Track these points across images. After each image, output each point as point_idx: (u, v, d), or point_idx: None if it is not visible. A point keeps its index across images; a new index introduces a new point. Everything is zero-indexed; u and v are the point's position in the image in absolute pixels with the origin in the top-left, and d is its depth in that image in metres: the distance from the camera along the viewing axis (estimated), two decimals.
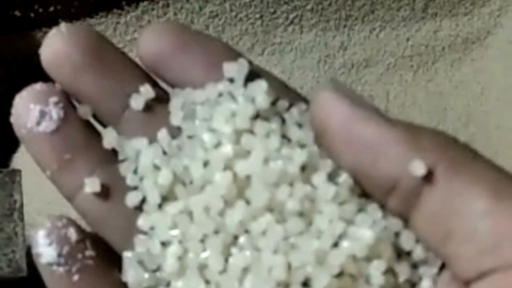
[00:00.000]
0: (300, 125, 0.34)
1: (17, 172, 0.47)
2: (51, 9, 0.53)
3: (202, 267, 0.34)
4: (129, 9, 0.57)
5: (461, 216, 0.30)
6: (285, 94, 0.35)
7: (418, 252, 0.33)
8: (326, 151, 0.33)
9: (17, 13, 0.52)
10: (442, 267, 0.33)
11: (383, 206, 0.33)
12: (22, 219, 0.47)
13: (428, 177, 0.31)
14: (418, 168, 0.31)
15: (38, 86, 0.34)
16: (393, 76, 0.74)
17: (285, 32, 0.73)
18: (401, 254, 0.33)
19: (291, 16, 0.72)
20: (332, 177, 0.33)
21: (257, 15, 0.71)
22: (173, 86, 0.35)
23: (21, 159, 0.51)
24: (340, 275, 0.32)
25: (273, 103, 0.34)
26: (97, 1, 0.64)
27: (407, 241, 0.33)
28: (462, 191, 0.30)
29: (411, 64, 0.74)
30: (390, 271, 0.33)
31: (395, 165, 0.31)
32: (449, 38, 0.73)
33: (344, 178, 0.33)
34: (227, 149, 0.34)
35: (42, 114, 0.34)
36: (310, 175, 0.33)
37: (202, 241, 0.34)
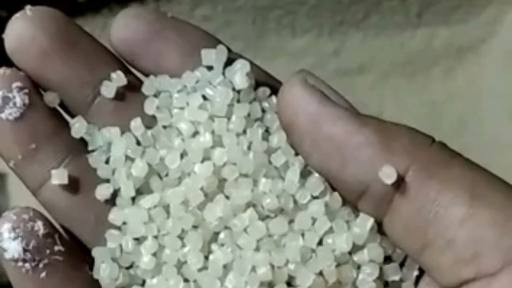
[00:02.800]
0: None
1: (4, 176, 0.45)
2: None
3: (180, 264, 0.32)
4: (118, 10, 0.57)
5: (438, 224, 0.29)
6: (267, 82, 0.33)
7: (397, 256, 0.32)
8: (295, 149, 0.32)
9: (3, 13, 0.51)
10: (421, 269, 0.31)
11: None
12: None
13: (400, 183, 0.29)
14: (389, 175, 0.29)
15: (1, 71, 0.32)
16: (387, 83, 0.74)
17: (277, 37, 0.72)
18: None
19: (284, 21, 0.72)
20: (304, 173, 0.32)
21: (250, 19, 0.71)
22: (147, 75, 0.33)
23: None
24: (327, 281, 0.31)
25: (254, 89, 0.33)
26: (86, 1, 0.63)
27: (387, 245, 0.32)
28: (437, 196, 0.29)
29: (405, 71, 0.74)
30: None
31: (365, 170, 0.30)
32: (444, 46, 0.73)
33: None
34: (206, 138, 0.32)
35: (5, 100, 0.32)
36: (284, 170, 0.32)
37: (180, 236, 0.32)
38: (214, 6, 0.69)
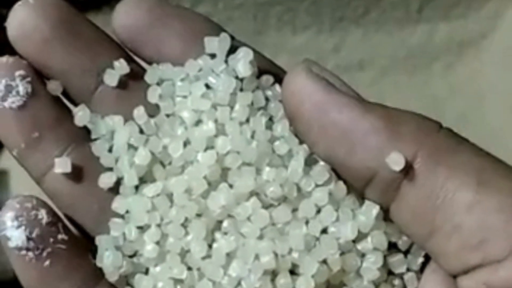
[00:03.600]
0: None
1: (6, 173, 0.45)
2: None
3: (184, 253, 0.32)
4: None
5: (445, 210, 0.29)
6: (270, 70, 0.33)
7: (403, 243, 0.32)
8: (301, 137, 0.31)
9: (3, 11, 0.51)
10: (427, 256, 0.31)
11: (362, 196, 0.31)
12: None
13: (408, 169, 0.29)
14: (397, 162, 0.29)
15: (4, 59, 0.32)
16: (387, 79, 0.74)
17: (278, 34, 0.72)
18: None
19: (284, 18, 0.71)
20: (308, 161, 0.32)
21: (250, 16, 0.71)
22: (150, 63, 0.33)
23: (10, 159, 0.50)
24: (331, 269, 0.31)
25: (257, 77, 0.33)
26: None
27: (393, 233, 0.31)
28: (444, 182, 0.29)
29: (406, 67, 0.73)
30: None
31: (372, 156, 0.29)
32: (444, 41, 0.73)
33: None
34: (209, 126, 0.32)
35: (8, 88, 0.32)
36: (288, 158, 0.32)
37: (184, 225, 0.32)
38: (215, 3, 0.69)
